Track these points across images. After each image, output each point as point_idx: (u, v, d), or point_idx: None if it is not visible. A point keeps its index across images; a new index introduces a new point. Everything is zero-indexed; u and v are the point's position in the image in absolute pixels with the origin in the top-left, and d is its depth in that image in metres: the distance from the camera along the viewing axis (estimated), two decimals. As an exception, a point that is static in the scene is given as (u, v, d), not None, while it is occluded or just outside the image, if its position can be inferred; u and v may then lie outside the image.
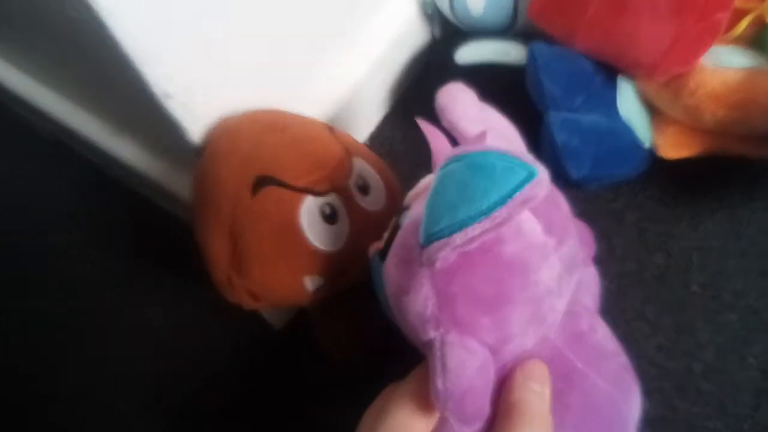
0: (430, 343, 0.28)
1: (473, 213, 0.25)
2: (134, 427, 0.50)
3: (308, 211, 0.38)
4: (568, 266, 0.31)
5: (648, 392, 0.44)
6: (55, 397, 0.52)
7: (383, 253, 0.34)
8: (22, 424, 0.52)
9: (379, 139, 0.60)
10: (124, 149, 0.54)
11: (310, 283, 0.40)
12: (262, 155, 0.39)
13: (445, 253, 0.26)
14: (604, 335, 0.35)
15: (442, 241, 0.25)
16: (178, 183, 0.52)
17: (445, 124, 0.35)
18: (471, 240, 0.25)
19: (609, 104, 0.49)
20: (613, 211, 0.51)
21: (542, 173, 0.25)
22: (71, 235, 0.60)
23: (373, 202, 0.41)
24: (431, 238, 0.26)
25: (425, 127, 0.33)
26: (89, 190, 0.62)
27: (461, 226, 0.25)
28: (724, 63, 0.46)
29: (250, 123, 0.42)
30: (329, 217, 0.39)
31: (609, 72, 0.49)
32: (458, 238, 0.25)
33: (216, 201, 0.39)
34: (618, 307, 0.47)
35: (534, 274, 0.29)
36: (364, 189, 0.41)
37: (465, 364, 0.27)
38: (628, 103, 0.49)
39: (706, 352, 0.45)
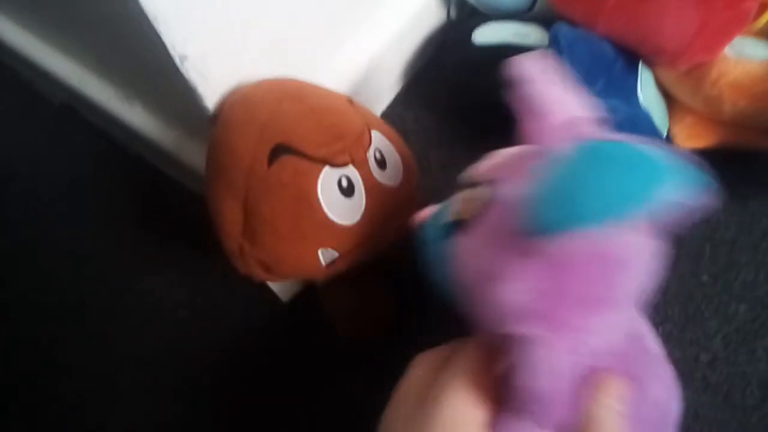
0: (519, 337, 0.26)
1: (600, 212, 0.22)
2: (140, 400, 0.49)
3: (325, 182, 0.38)
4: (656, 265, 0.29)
5: (655, 380, 0.44)
6: (57, 369, 0.52)
7: (457, 227, 0.31)
8: (24, 392, 0.51)
9: (391, 118, 0.59)
10: (135, 116, 0.53)
11: (323, 256, 0.39)
12: (280, 124, 0.38)
13: (567, 249, 0.23)
14: (654, 338, 0.33)
15: (561, 236, 0.23)
16: (190, 152, 0.51)
17: (524, 93, 0.30)
18: (593, 240, 0.23)
19: (629, 90, 0.48)
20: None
21: (683, 172, 0.23)
22: (78, 203, 0.59)
23: (391, 177, 0.41)
24: (546, 230, 0.23)
25: (532, 88, 0.29)
26: (98, 158, 0.61)
27: (584, 223, 0.22)
28: (747, 54, 0.46)
29: (267, 91, 0.41)
30: (346, 190, 0.38)
31: (630, 58, 0.49)
32: (580, 236, 0.22)
33: (230, 170, 0.39)
34: (627, 295, 0.47)
35: (636, 272, 0.26)
36: (381, 163, 0.41)
37: (558, 367, 0.25)
38: (648, 90, 0.49)
39: (714, 343, 0.45)
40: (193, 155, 0.51)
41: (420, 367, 0.30)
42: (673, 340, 0.45)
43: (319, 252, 0.39)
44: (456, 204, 0.33)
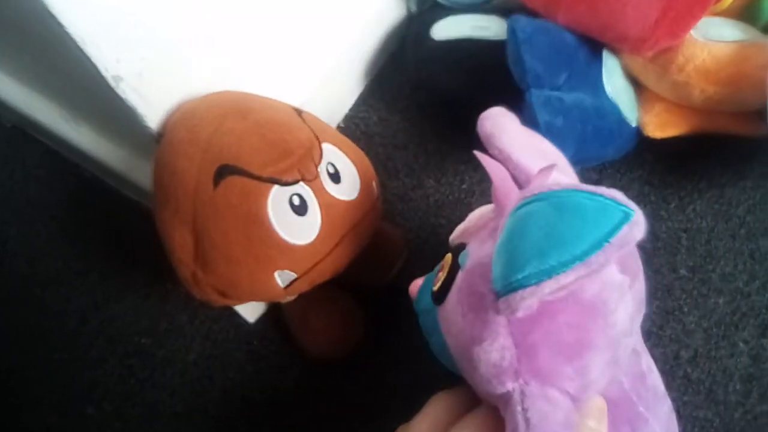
0: (506, 396, 0.26)
1: (566, 258, 0.22)
2: (106, 429, 0.48)
3: (276, 202, 0.36)
4: (639, 304, 0.30)
5: (636, 381, 0.43)
6: (21, 401, 0.50)
7: (438, 296, 0.31)
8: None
9: (354, 121, 0.57)
10: (83, 137, 0.51)
11: (280, 278, 0.37)
12: (224, 143, 0.36)
13: (531, 303, 0.23)
14: (657, 375, 0.34)
15: (529, 289, 0.23)
16: (141, 171, 0.49)
17: (494, 152, 0.32)
18: (562, 288, 0.22)
19: (594, 81, 0.46)
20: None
21: (638, 214, 0.22)
22: (33, 227, 0.57)
23: (346, 190, 0.39)
24: (513, 285, 0.23)
25: (485, 160, 0.31)
26: (52, 179, 0.59)
27: (551, 273, 0.22)
28: (713, 36, 0.44)
29: (209, 108, 0.38)
30: (299, 208, 0.36)
31: (593, 47, 0.47)
32: (548, 286, 0.22)
33: (175, 194, 0.37)
34: (604, 293, 0.46)
35: (612, 315, 0.27)
36: (335, 177, 0.38)
37: (549, 417, 0.25)
38: (614, 79, 0.47)
39: (695, 338, 0.44)
40: (145, 175, 0.48)
41: (437, 407, 0.30)
42: (653, 338, 0.44)
43: (276, 274, 0.37)
44: (440, 271, 0.33)
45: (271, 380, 0.47)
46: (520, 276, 0.23)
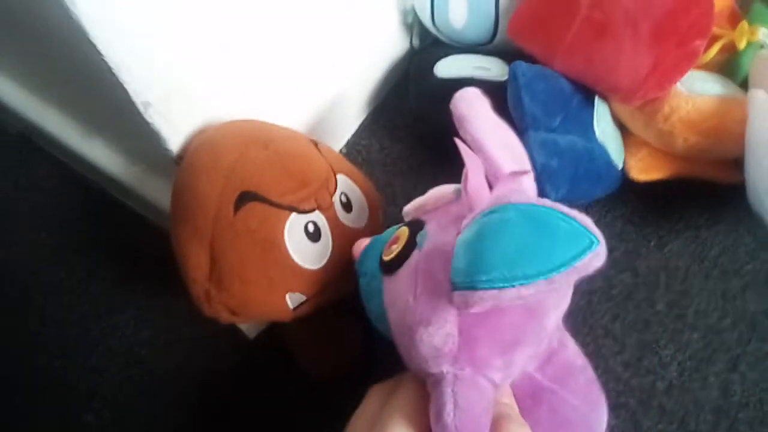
0: (439, 375, 0.28)
1: (531, 272, 0.24)
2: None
3: (292, 228, 0.38)
4: (564, 305, 0.32)
5: (613, 408, 0.46)
6: (19, 408, 0.51)
7: (389, 267, 0.33)
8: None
9: (356, 147, 0.60)
10: (96, 151, 0.52)
11: (291, 300, 0.40)
12: (246, 171, 0.38)
13: (488, 304, 0.26)
14: (573, 351, 0.36)
15: (490, 292, 0.25)
16: (153, 188, 0.50)
17: (463, 134, 0.34)
18: (521, 298, 0.25)
19: (585, 125, 0.50)
20: (585, 229, 0.53)
21: (602, 244, 0.25)
22: (37, 236, 0.58)
23: (356, 219, 0.41)
24: (474, 284, 0.25)
25: (464, 151, 0.32)
26: (57, 189, 0.60)
27: (515, 282, 0.24)
28: (697, 89, 0.48)
29: (231, 136, 0.41)
30: (313, 235, 0.39)
31: (586, 93, 0.50)
32: (509, 294, 0.25)
33: (195, 215, 0.39)
34: (587, 324, 0.49)
35: (546, 318, 0.30)
36: (347, 206, 0.41)
37: (475, 402, 0.27)
38: (603, 124, 0.51)
39: (670, 370, 0.47)
40: (157, 191, 0.51)
41: (371, 399, 0.32)
42: (631, 369, 0.47)
43: (287, 296, 0.39)
44: (390, 239, 0.35)
45: (270, 396, 0.49)
46: (484, 278, 0.25)
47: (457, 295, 0.27)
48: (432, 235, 0.32)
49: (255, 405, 0.48)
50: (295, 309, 0.40)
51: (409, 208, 0.38)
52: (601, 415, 0.35)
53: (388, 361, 0.47)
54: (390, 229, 0.38)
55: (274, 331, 0.50)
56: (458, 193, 0.36)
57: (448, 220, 0.33)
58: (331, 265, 0.40)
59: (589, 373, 0.36)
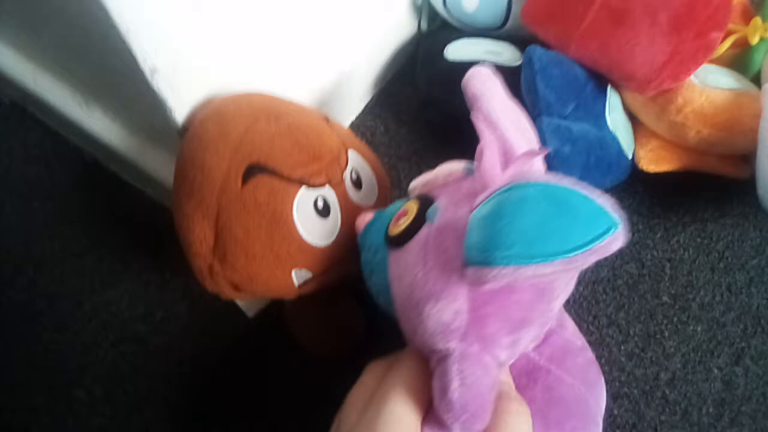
0: (445, 351, 0.28)
1: (550, 251, 0.24)
2: (95, 414, 0.48)
3: (301, 203, 0.37)
4: (571, 290, 0.32)
5: (616, 397, 0.46)
6: (7, 381, 0.49)
7: (397, 241, 0.32)
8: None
9: (361, 128, 0.59)
10: (94, 121, 0.51)
11: (296, 277, 0.39)
12: (256, 142, 0.37)
13: (503, 281, 0.25)
14: (573, 332, 0.36)
15: (508, 269, 0.24)
16: (153, 160, 0.49)
17: (476, 112, 0.33)
18: (537, 277, 0.24)
19: (597, 114, 0.49)
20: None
21: (622, 227, 0.24)
22: (30, 207, 0.56)
23: (366, 197, 0.41)
24: (490, 260, 0.25)
25: (482, 129, 0.32)
26: (51, 160, 0.58)
27: (532, 260, 0.24)
28: (710, 82, 0.47)
29: (241, 108, 0.39)
30: (322, 211, 0.38)
31: (599, 82, 0.50)
32: (527, 271, 0.24)
33: (201, 187, 0.38)
34: (591, 314, 0.49)
35: (555, 300, 0.30)
36: (357, 184, 0.40)
37: (482, 380, 0.26)
38: (615, 114, 0.50)
39: (673, 361, 0.47)
40: (156, 163, 0.49)
41: (369, 375, 0.32)
42: (635, 359, 0.47)
43: (293, 273, 0.38)
44: (397, 212, 0.34)
45: (268, 375, 0.48)
46: (500, 254, 0.25)
47: (472, 270, 0.26)
48: (444, 210, 0.32)
49: (252, 385, 0.47)
50: (300, 286, 0.39)
51: (417, 183, 0.37)
52: (599, 396, 0.35)
53: (389, 341, 0.47)
54: (394, 204, 0.37)
55: (274, 310, 0.49)
56: (469, 171, 0.35)
57: (460, 196, 0.32)
58: (339, 243, 0.39)
59: (589, 354, 0.36)
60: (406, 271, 0.31)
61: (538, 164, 0.36)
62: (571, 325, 0.37)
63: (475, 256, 0.26)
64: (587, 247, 0.24)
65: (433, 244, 0.30)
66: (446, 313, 0.28)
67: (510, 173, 0.30)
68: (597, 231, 0.24)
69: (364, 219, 0.38)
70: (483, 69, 0.36)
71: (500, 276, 0.25)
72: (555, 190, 0.26)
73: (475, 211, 0.28)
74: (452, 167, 0.36)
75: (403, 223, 0.33)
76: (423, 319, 0.29)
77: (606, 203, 0.25)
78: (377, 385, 0.30)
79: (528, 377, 0.33)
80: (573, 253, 0.24)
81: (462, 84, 0.35)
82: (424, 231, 0.31)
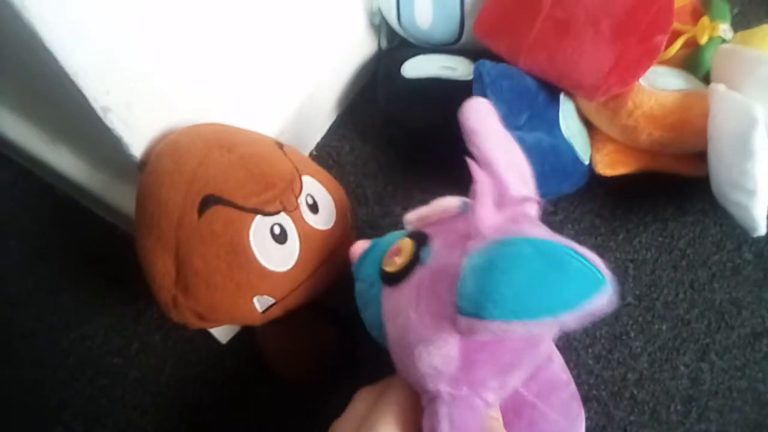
0: (435, 392, 0.29)
1: (540, 309, 0.25)
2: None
3: (258, 231, 0.38)
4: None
5: (585, 401, 0.46)
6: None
7: (391, 279, 0.33)
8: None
9: (327, 149, 0.60)
10: (61, 159, 0.51)
11: (259, 303, 0.39)
12: (209, 175, 0.38)
13: (493, 333, 0.26)
14: (559, 366, 0.36)
15: (498, 323, 0.25)
16: (119, 194, 0.50)
17: (472, 148, 0.33)
18: (529, 332, 0.25)
19: (551, 122, 0.50)
20: (553, 225, 0.53)
21: (609, 285, 0.25)
22: (5, 245, 0.57)
23: (323, 220, 0.41)
24: (482, 313, 0.26)
25: (477, 173, 0.32)
26: (23, 197, 0.59)
27: (523, 317, 0.25)
28: (660, 84, 0.48)
29: (193, 140, 0.40)
30: (279, 237, 0.39)
31: (551, 91, 0.51)
32: (517, 327, 0.25)
33: (159, 221, 0.38)
34: (559, 319, 0.49)
35: (542, 343, 0.31)
36: (313, 208, 0.41)
37: (470, 423, 0.28)
38: (569, 121, 0.51)
39: (640, 361, 0.47)
40: (124, 198, 0.50)
41: (360, 401, 0.32)
42: (602, 361, 0.48)
43: (255, 299, 0.39)
44: (393, 247, 0.35)
45: (244, 401, 0.48)
46: (493, 308, 0.25)
47: (464, 320, 0.27)
48: (437, 253, 0.32)
49: (229, 410, 0.48)
50: (263, 312, 0.40)
51: (412, 218, 0.37)
52: (578, 428, 0.36)
53: (368, 361, 0.47)
54: (390, 235, 0.38)
55: (247, 335, 0.49)
56: (464, 208, 0.35)
57: (454, 237, 0.33)
58: (299, 267, 0.40)
59: (572, 387, 0.36)
60: (399, 312, 0.32)
61: (532, 208, 0.35)
62: (558, 359, 0.37)
63: (468, 307, 0.27)
64: (577, 306, 0.25)
65: (426, 288, 0.31)
66: (437, 357, 0.29)
67: (503, 217, 0.31)
68: (586, 290, 0.25)
69: (359, 248, 0.38)
70: (481, 102, 0.35)
71: (491, 329, 0.26)
72: (550, 248, 0.26)
73: (469, 258, 0.29)
74: (447, 204, 0.36)
75: (398, 262, 0.33)
76: (414, 360, 0.30)
77: (596, 261, 0.26)
78: (368, 412, 0.31)
79: (514, 413, 0.33)
80: (563, 312, 0.25)
81: (459, 117, 0.34)
82: (417, 273, 0.32)
